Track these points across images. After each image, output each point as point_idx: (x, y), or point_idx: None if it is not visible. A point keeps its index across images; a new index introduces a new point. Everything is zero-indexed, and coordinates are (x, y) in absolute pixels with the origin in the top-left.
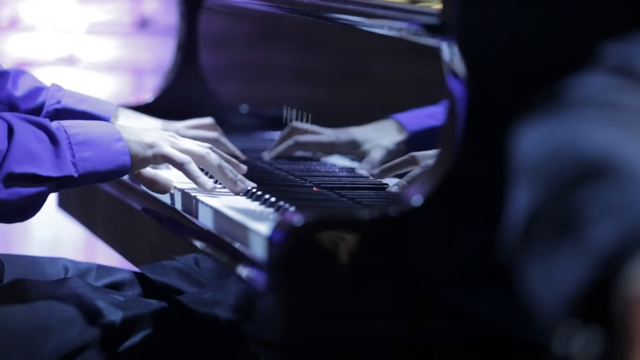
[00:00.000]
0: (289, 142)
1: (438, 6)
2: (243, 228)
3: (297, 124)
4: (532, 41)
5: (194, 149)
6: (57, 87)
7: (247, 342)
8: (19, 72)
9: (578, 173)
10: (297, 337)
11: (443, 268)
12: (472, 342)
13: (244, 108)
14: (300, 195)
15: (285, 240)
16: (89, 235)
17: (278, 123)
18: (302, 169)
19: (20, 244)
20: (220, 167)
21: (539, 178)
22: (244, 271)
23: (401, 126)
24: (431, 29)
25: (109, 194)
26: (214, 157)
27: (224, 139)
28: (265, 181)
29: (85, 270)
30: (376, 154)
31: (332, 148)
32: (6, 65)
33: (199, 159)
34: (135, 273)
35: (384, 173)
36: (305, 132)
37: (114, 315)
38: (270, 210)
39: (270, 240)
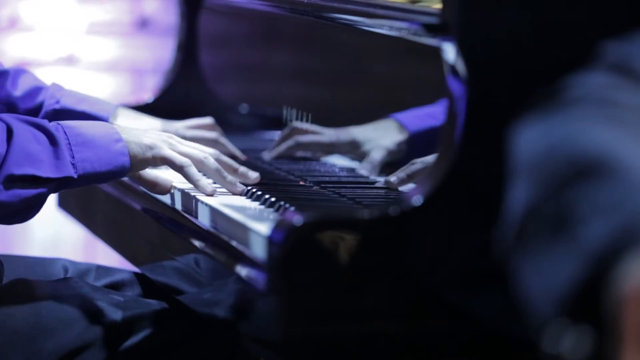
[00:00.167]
0: (290, 142)
1: (438, 6)
2: (243, 228)
3: (298, 124)
4: (532, 41)
5: (193, 153)
6: (57, 87)
7: (246, 342)
8: (19, 72)
9: (572, 171)
10: (297, 337)
11: (443, 268)
12: (472, 342)
13: (244, 108)
14: (300, 195)
15: (285, 240)
16: (89, 235)
17: (278, 123)
18: (302, 169)
19: (20, 244)
20: (218, 171)
21: (535, 176)
22: (243, 271)
23: (402, 126)
24: (431, 29)
25: (109, 194)
26: (212, 162)
27: (223, 139)
28: (265, 181)
29: (85, 271)
30: (377, 155)
31: (332, 148)
32: (6, 65)
33: (197, 162)
34: (135, 273)
35: (400, 184)
36: (306, 132)
37: (114, 316)
38: (270, 210)
39: (270, 240)
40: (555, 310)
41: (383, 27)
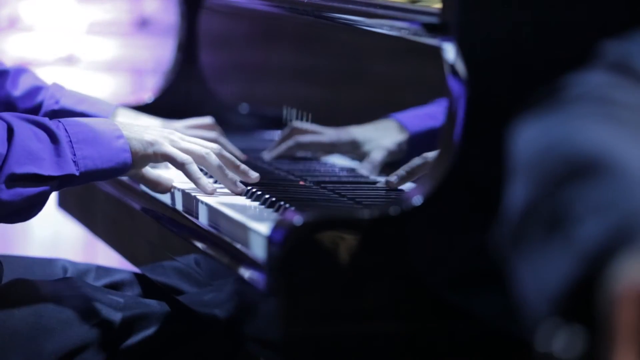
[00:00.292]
0: (290, 142)
1: (438, 6)
2: (243, 228)
3: (298, 124)
4: (532, 41)
5: (195, 149)
6: (57, 87)
7: (246, 342)
8: (20, 71)
9: (569, 170)
10: (297, 337)
11: (443, 268)
12: (472, 342)
13: (244, 108)
14: (300, 195)
15: (285, 240)
16: (89, 235)
17: (278, 123)
18: (302, 169)
19: (19, 244)
20: (220, 168)
21: (533, 175)
22: (243, 271)
23: (402, 126)
24: (431, 29)
25: (109, 194)
26: (214, 158)
27: (223, 139)
28: (265, 181)
29: (85, 271)
30: (377, 155)
31: (333, 148)
32: (6, 65)
33: (199, 158)
34: (134, 273)
35: (403, 181)
36: (306, 132)
37: (114, 316)
38: (270, 210)
39: (270, 240)
40: (548, 309)
41: (383, 27)
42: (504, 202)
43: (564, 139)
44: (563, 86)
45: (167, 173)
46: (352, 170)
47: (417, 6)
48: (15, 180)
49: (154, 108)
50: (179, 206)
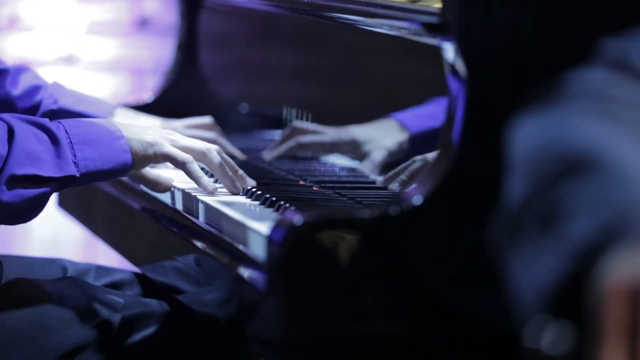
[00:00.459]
0: (291, 142)
1: (438, 5)
2: (243, 227)
3: (298, 124)
4: (532, 41)
5: (195, 146)
6: (56, 86)
7: (247, 342)
8: (20, 70)
9: (563, 168)
10: (297, 337)
11: (443, 268)
12: (472, 342)
13: (244, 107)
14: (300, 194)
15: (285, 240)
16: (89, 235)
17: (278, 122)
18: (302, 168)
19: (19, 244)
20: (221, 165)
21: (529, 172)
22: (243, 271)
23: (403, 126)
24: (431, 28)
25: (109, 194)
26: (215, 155)
27: (222, 140)
28: (265, 181)
29: (85, 271)
30: (378, 155)
31: (334, 147)
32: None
33: (199, 155)
34: (134, 273)
35: (390, 180)
36: (307, 131)
37: (114, 315)
38: (270, 209)
39: (270, 240)
40: (539, 305)
41: (383, 27)
42: (501, 198)
43: (560, 136)
44: (561, 83)
45: (166, 173)
46: (352, 170)
47: (417, 6)
48: (16, 181)
49: (154, 108)
50: (179, 206)
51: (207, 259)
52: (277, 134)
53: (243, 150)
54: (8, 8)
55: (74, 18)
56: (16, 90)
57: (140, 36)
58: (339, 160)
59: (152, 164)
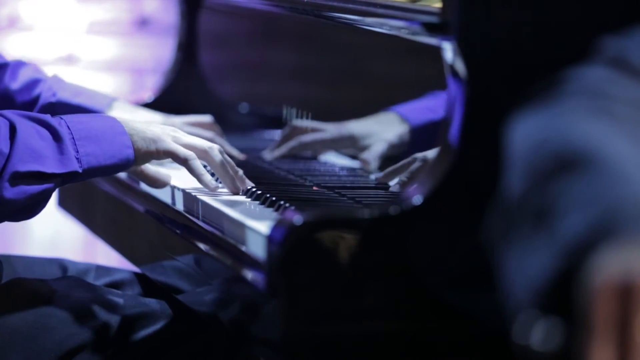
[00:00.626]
0: (293, 142)
1: (438, 5)
2: (243, 227)
3: (298, 123)
4: (532, 40)
5: (197, 143)
6: (56, 79)
7: (246, 342)
8: (19, 64)
9: (557, 164)
10: (297, 337)
11: (443, 267)
12: (472, 342)
13: (243, 107)
14: (300, 194)
15: (285, 239)
16: (89, 234)
17: (278, 122)
18: (302, 168)
19: (19, 243)
20: (222, 164)
21: (525, 169)
22: (243, 270)
23: (403, 119)
24: (431, 28)
25: (109, 194)
26: (217, 153)
27: (220, 139)
28: (265, 181)
29: (84, 271)
30: (379, 147)
31: (335, 144)
32: None
33: (201, 153)
34: (134, 273)
35: (388, 177)
36: (307, 130)
37: (113, 315)
38: (270, 209)
39: (270, 239)
40: (530, 301)
41: (383, 27)
42: (498, 195)
43: (556, 133)
44: (560, 81)
45: (166, 172)
46: (352, 170)
47: (417, 6)
48: (19, 178)
49: (154, 107)
50: (179, 206)
51: (207, 259)
52: (277, 134)
53: (243, 150)
54: (8, 8)
55: (73, 18)
56: (15, 84)
57: (140, 36)
58: (339, 160)
59: (154, 160)
